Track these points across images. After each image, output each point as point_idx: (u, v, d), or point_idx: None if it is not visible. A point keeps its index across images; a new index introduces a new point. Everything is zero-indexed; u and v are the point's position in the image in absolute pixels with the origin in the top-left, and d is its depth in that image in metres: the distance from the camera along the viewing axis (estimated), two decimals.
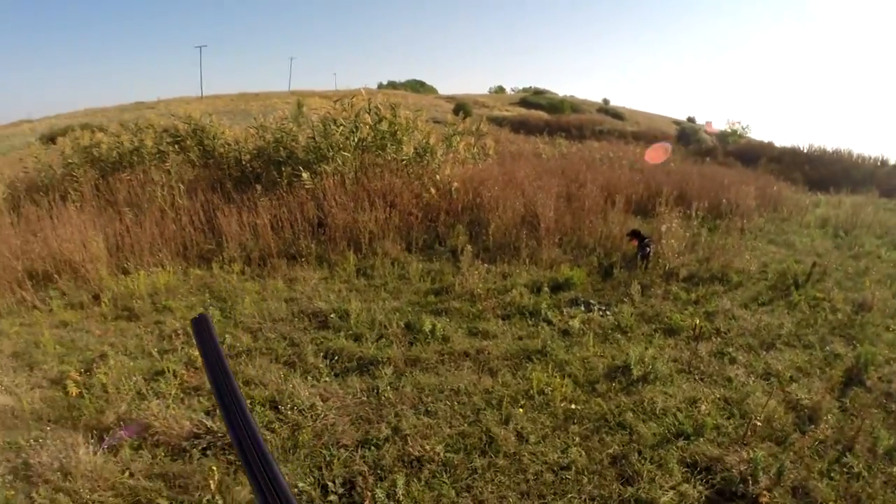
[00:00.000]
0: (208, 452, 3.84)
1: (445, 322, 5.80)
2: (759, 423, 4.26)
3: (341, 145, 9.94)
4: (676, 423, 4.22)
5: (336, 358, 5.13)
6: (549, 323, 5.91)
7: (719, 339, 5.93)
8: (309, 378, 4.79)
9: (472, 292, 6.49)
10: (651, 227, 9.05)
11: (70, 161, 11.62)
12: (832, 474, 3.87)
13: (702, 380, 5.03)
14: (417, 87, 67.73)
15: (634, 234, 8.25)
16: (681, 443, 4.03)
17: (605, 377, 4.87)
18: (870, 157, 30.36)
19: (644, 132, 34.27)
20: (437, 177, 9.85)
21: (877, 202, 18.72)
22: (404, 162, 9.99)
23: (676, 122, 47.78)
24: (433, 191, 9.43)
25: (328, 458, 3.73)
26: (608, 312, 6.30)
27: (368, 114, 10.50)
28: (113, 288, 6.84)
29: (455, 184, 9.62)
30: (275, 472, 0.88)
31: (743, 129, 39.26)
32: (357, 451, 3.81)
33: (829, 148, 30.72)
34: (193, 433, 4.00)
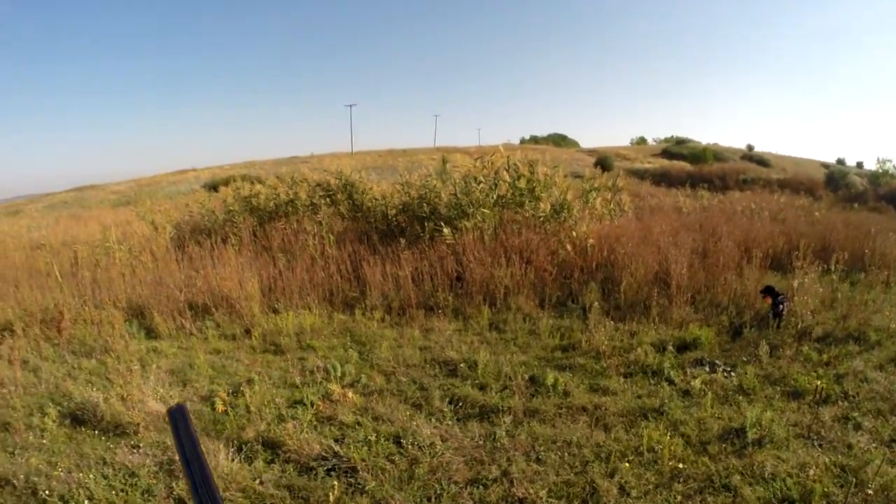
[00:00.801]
0: (332, 473, 4.36)
1: (568, 377, 6.05)
2: (870, 492, 4.15)
3: (481, 202, 10.43)
4: (784, 489, 4.19)
5: (460, 403, 5.54)
6: (671, 382, 5.98)
7: (846, 402, 5.72)
8: (433, 419, 5.23)
9: (598, 349, 6.67)
10: (787, 284, 8.80)
11: (231, 208, 13.12)
12: None
13: (820, 445, 4.90)
14: (559, 140, 68.29)
15: (768, 291, 8.06)
16: None
17: (718, 438, 4.90)
18: None
19: (790, 180, 32.36)
20: (574, 233, 10.09)
21: None
22: (541, 218, 10.31)
23: (825, 165, 44.86)
24: (569, 247, 9.70)
25: (438, 491, 4.12)
26: (732, 373, 6.25)
27: (507, 171, 11.00)
28: (263, 324, 7.77)
29: (591, 240, 9.83)
30: None
31: (894, 167, 35.86)
32: (466, 488, 4.16)
33: None
34: (322, 455, 4.55)
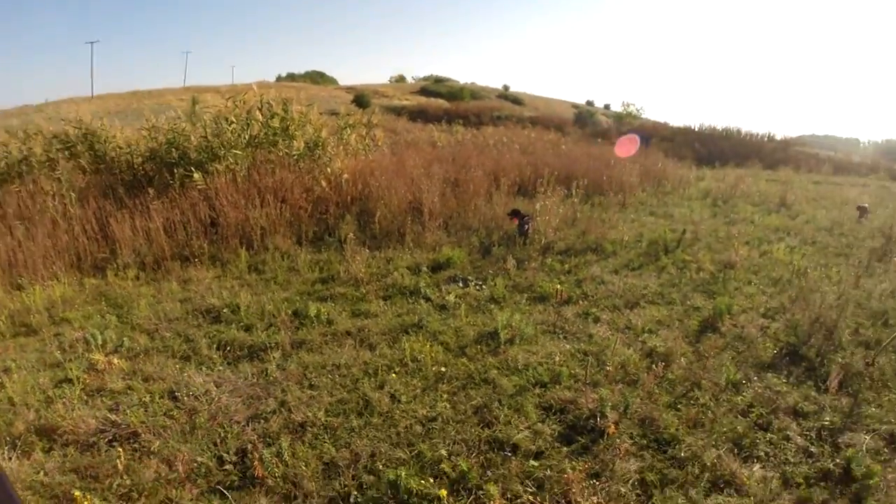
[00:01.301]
0: (114, 443, 4.12)
1: (331, 307, 6.21)
2: (610, 369, 4.91)
3: (232, 143, 10.09)
4: (536, 375, 4.79)
5: (228, 348, 5.44)
6: (428, 300, 6.41)
7: (586, 301, 6.61)
8: (203, 368, 5.08)
9: (356, 277, 6.92)
10: (532, 207, 9.70)
11: None
12: (679, 406, 4.50)
13: (565, 338, 5.66)
14: (317, 78, 66.70)
15: (514, 214, 8.85)
16: (538, 391, 4.59)
17: (474, 342, 5.41)
18: (757, 134, 32.92)
19: (541, 117, 35.58)
20: (329, 169, 10.16)
21: (759, 174, 20.41)
22: (295, 157, 10.23)
23: (575, 106, 49.51)
24: (324, 184, 9.75)
25: (222, 434, 4.08)
26: (484, 286, 6.87)
27: (260, 110, 10.70)
28: (9, 305, 6.90)
29: (345, 175, 9.98)
30: None
31: (637, 110, 41.56)
32: (248, 425, 4.17)
33: (720, 126, 33.12)
34: (99, 429, 4.27)
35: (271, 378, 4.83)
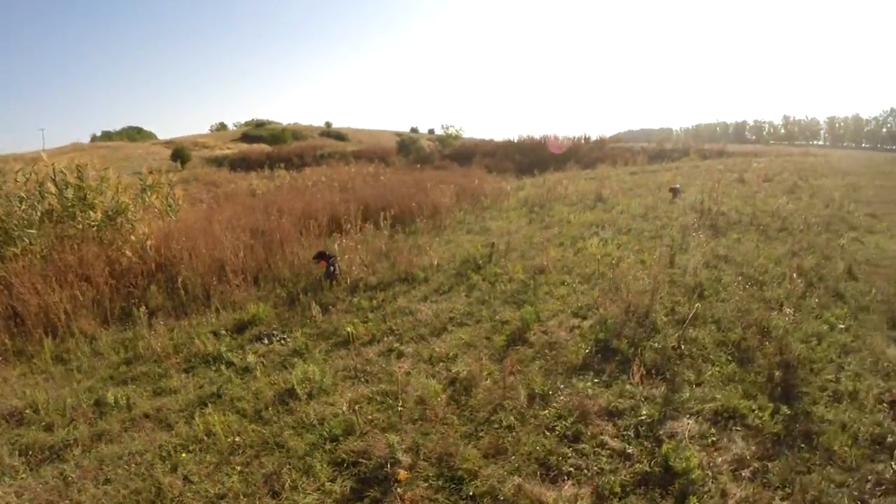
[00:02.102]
0: None
1: (132, 389, 6.22)
2: (402, 408, 5.16)
3: (26, 222, 9.75)
4: (329, 429, 4.96)
5: (30, 452, 5.34)
6: (230, 364, 6.51)
7: (391, 337, 6.90)
8: (6, 479, 5.00)
9: (158, 353, 6.95)
10: (334, 247, 9.96)
11: None
12: (480, 434, 4.73)
13: (366, 381, 5.86)
14: (134, 134, 64.59)
15: (320, 256, 9.06)
16: (329, 446, 4.72)
17: (273, 403, 5.56)
18: (573, 137, 35.74)
19: (364, 150, 36.70)
20: (133, 237, 10.07)
21: (577, 175, 22.01)
22: (94, 227, 10.04)
23: (399, 135, 50.64)
24: (129, 252, 9.61)
25: None
26: (287, 339, 7.10)
27: (53, 181, 10.40)
28: None
29: (150, 241, 9.89)
30: None
31: (457, 130, 43.48)
32: None
33: (537, 135, 35.46)
34: None
35: (69, 479, 4.83)
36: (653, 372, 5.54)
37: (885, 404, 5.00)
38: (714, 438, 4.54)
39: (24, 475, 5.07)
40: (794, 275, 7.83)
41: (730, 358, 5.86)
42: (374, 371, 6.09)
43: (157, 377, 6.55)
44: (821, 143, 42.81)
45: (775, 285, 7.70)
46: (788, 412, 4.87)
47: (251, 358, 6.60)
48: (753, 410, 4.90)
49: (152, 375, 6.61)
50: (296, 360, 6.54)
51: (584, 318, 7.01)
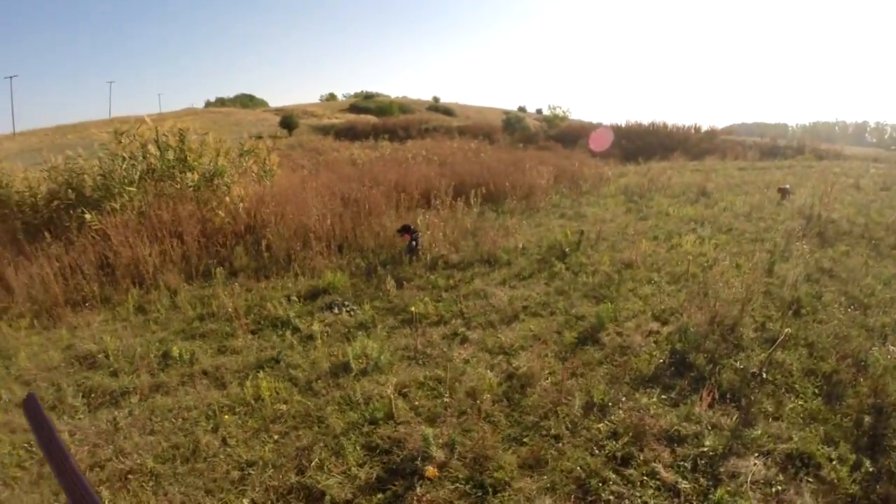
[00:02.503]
0: None
1: (198, 345, 6.23)
2: (450, 399, 4.86)
3: (126, 180, 10.07)
4: (371, 411, 4.71)
5: (93, 395, 5.46)
6: (297, 330, 6.40)
7: (460, 320, 6.57)
8: (65, 417, 5.14)
9: (229, 312, 6.90)
10: (417, 222, 9.73)
11: None
12: (524, 440, 4.36)
13: (423, 364, 5.59)
14: (247, 101, 67.25)
15: (405, 230, 8.84)
16: (367, 428, 4.52)
17: (326, 375, 5.38)
18: (683, 126, 34.31)
19: (470, 126, 36.34)
20: (227, 199, 10.24)
21: (684, 166, 20.83)
22: (191, 188, 10.26)
23: (506, 113, 50.11)
24: (222, 213, 9.77)
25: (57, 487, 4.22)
26: (357, 311, 6.89)
27: (156, 143, 10.71)
28: None
29: (243, 204, 10.03)
30: None
31: (564, 112, 42.51)
32: (86, 473, 4.24)
33: (645, 122, 34.16)
34: None
35: (119, 425, 4.85)
36: (728, 396, 4.91)
37: None
38: (780, 487, 3.88)
39: (81, 416, 5.16)
40: None
41: (817, 391, 5.11)
42: (434, 354, 5.81)
43: (224, 336, 6.53)
44: None
45: (881, 311, 6.74)
46: (871, 469, 4.10)
47: (316, 326, 6.43)
48: (832, 461, 4.16)
49: (220, 333, 6.59)
50: (360, 333, 6.36)
51: (665, 322, 6.47)
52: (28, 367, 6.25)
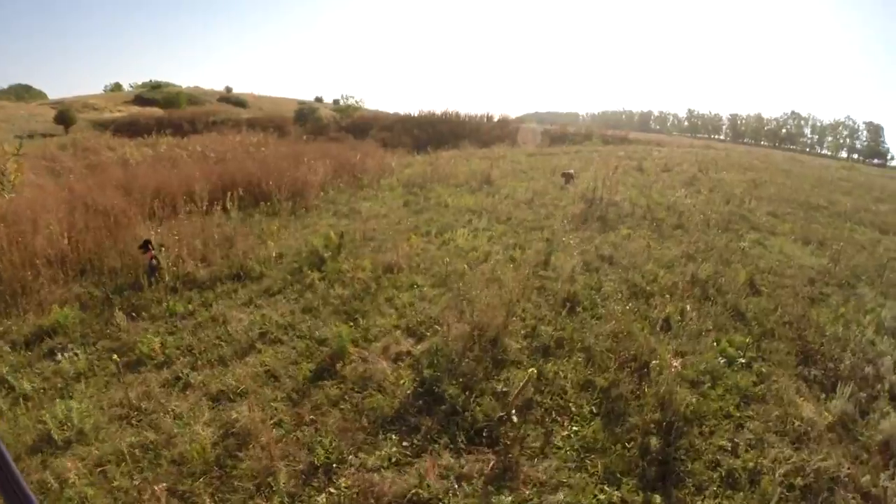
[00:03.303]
0: None
1: None
2: (152, 474, 4.19)
3: None
4: (77, 493, 4.02)
5: None
6: (12, 389, 5.39)
7: (188, 358, 5.84)
8: None
9: None
10: (177, 232, 8.78)
11: None
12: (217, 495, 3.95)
13: (135, 424, 4.83)
14: (23, 93, 61.61)
15: (147, 245, 7.82)
16: None
17: (26, 453, 4.51)
18: (476, 115, 35.43)
19: (261, 119, 35.64)
20: None
21: (473, 153, 21.04)
22: None
23: (302, 104, 49.13)
24: None
25: None
26: (80, 356, 5.96)
27: None
28: None
29: None
30: None
31: (357, 101, 42.44)
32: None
33: (438, 111, 34.57)
34: None
35: None
36: (484, 434, 4.53)
37: (796, 491, 4.06)
38: None
39: None
40: (688, 285, 7.13)
41: (594, 410, 4.87)
42: (149, 409, 5.02)
43: None
44: (722, 137, 44.09)
45: (665, 299, 6.87)
46: None
47: (27, 384, 5.48)
48: None
49: None
50: (79, 385, 5.46)
51: (421, 339, 6.07)
52: None
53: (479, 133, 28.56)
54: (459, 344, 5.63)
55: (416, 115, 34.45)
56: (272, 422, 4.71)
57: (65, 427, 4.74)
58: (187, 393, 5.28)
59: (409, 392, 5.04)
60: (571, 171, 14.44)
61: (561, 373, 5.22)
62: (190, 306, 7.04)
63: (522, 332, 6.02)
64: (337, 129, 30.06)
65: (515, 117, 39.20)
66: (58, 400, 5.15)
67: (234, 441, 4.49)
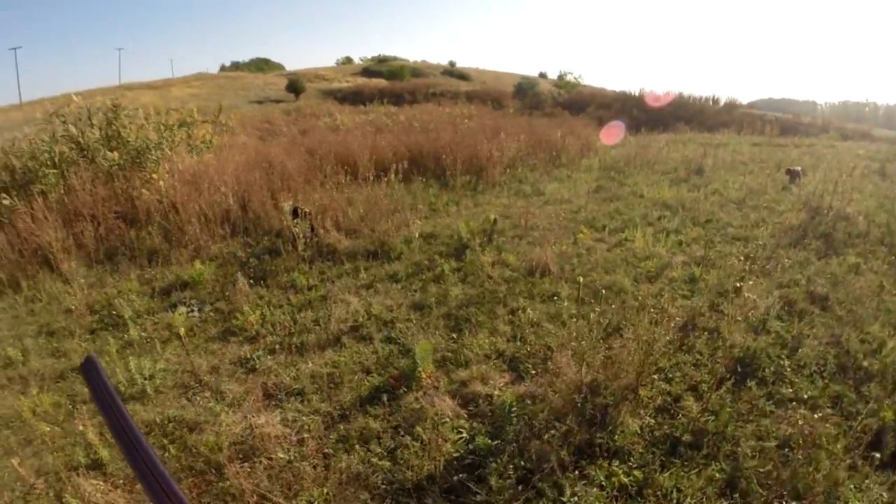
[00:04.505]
0: None
1: (43, 343, 6.23)
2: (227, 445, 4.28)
3: (47, 161, 10.20)
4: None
5: None
6: (126, 334, 6.18)
7: (267, 339, 5.88)
8: None
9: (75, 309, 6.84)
10: (334, 200, 9.16)
11: None
12: None
13: (191, 398, 5.01)
14: (262, 65, 67.96)
15: (296, 212, 8.23)
16: None
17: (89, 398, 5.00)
18: (701, 97, 32.37)
19: (479, 91, 36.08)
20: (155, 176, 10.22)
21: (690, 138, 19.05)
22: (115, 167, 10.30)
23: (525, 79, 48.79)
24: (145, 192, 9.76)
25: None
26: (195, 313, 6.61)
27: (73, 124, 10.83)
28: None
29: (161, 182, 9.94)
30: (179, 497, 0.96)
31: (576, 78, 41.15)
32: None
33: (660, 91, 32.04)
34: None
35: None
36: None
37: None
38: None
39: None
40: None
41: None
42: (207, 385, 5.20)
43: (67, 335, 6.40)
44: None
45: (890, 394, 4.64)
46: None
47: (138, 333, 6.21)
48: None
49: (66, 332, 6.47)
50: (172, 344, 5.97)
51: (519, 377, 4.99)
52: None
53: (702, 117, 26.38)
54: (558, 402, 4.45)
55: (636, 93, 32.60)
56: (287, 443, 4.37)
57: (132, 384, 5.17)
58: (248, 378, 5.27)
59: (445, 459, 4.04)
60: (798, 168, 11.93)
61: (679, 496, 3.66)
62: (311, 280, 7.14)
63: (654, 404, 4.50)
64: (553, 105, 29.63)
65: (746, 103, 34.95)
66: (145, 355, 5.70)
67: (243, 449, 4.32)
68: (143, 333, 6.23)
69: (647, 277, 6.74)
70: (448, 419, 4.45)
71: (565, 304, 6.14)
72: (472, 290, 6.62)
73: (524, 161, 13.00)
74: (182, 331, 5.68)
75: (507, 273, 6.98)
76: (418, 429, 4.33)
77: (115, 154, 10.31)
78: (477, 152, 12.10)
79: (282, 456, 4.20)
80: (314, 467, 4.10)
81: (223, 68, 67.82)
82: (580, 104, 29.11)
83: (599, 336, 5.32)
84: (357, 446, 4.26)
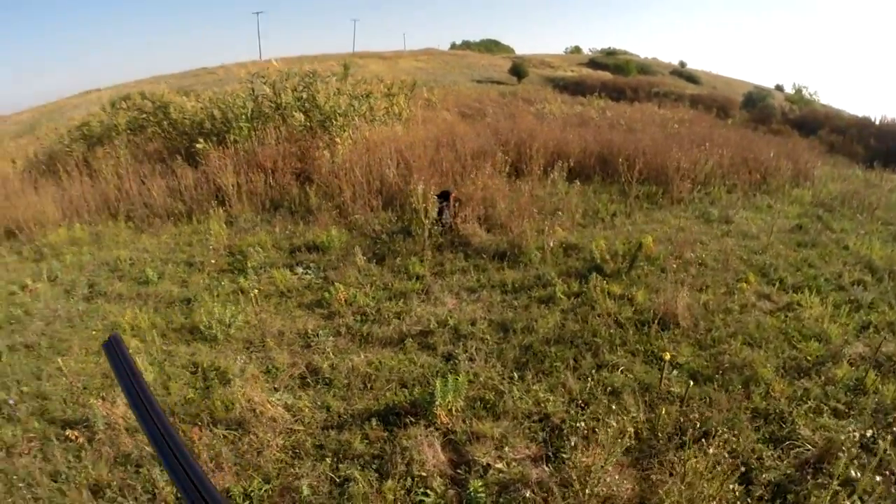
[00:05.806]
0: None
1: (181, 270, 7.29)
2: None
3: (244, 116, 11.33)
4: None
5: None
6: (240, 281, 6.85)
7: (340, 321, 5.92)
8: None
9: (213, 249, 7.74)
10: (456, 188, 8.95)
11: (61, 141, 14.49)
12: None
13: (247, 348, 5.58)
14: (491, 46, 67.50)
15: (443, 195, 8.00)
16: None
17: (181, 330, 5.90)
18: None
19: (703, 97, 33.04)
20: (338, 140, 10.81)
21: None
22: (302, 129, 11.08)
23: (758, 89, 44.05)
24: (327, 154, 10.38)
25: None
26: (310, 277, 6.95)
27: (270, 87, 11.96)
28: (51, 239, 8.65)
29: (339, 147, 10.50)
30: (199, 474, 0.98)
31: (811, 94, 36.17)
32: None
33: None
34: None
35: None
36: None
37: None
38: None
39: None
40: None
41: None
42: (255, 348, 5.58)
43: (195, 269, 7.36)
44: None
45: None
46: None
47: (246, 282, 6.80)
48: None
49: (197, 267, 7.42)
50: (270, 302, 6.44)
51: (546, 457, 4.04)
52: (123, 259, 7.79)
53: None
54: None
55: (877, 121, 27.49)
56: (275, 429, 4.33)
57: (210, 326, 5.69)
58: (301, 353, 5.39)
59: None
60: None
61: None
62: (422, 270, 6.90)
63: None
64: (782, 121, 26.48)
65: None
66: (239, 305, 6.23)
67: (234, 417, 4.46)
68: (254, 283, 6.73)
69: (799, 368, 4.95)
70: (421, 479, 3.77)
71: (674, 373, 4.86)
72: (573, 324, 5.60)
73: (724, 179, 11.09)
74: (277, 287, 6.32)
75: (627, 313, 5.76)
76: (388, 483, 3.73)
77: (302, 116, 11.06)
78: (666, 161, 10.82)
79: (261, 437, 4.20)
80: (275, 463, 4.03)
81: (453, 46, 69.41)
82: (812, 124, 25.58)
83: (674, 444, 4.00)
84: (328, 460, 3.98)
